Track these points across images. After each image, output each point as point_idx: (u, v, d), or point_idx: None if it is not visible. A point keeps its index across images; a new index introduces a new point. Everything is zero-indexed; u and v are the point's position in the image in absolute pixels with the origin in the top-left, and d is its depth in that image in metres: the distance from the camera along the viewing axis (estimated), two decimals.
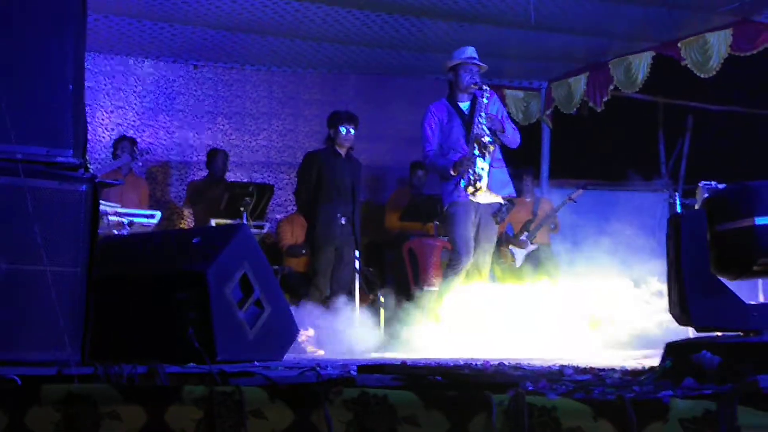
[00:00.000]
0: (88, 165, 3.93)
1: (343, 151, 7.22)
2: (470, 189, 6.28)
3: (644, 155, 10.13)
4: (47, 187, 3.61)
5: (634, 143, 10.12)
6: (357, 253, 7.43)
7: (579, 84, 9.05)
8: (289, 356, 4.45)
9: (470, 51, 6.60)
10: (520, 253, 8.83)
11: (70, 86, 3.73)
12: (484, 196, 6.36)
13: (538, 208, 9.00)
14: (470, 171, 6.28)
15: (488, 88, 6.49)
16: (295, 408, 2.63)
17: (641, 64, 8.34)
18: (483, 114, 6.38)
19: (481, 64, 6.59)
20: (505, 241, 8.82)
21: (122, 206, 7.07)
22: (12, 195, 3.52)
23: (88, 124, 8.32)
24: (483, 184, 6.30)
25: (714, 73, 7.66)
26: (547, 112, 9.54)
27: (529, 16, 6.92)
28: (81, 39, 3.77)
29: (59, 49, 3.73)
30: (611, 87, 8.67)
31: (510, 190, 6.64)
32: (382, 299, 7.90)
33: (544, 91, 9.58)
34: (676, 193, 6.78)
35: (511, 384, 2.80)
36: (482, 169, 6.30)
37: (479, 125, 6.36)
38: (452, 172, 6.33)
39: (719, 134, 9.45)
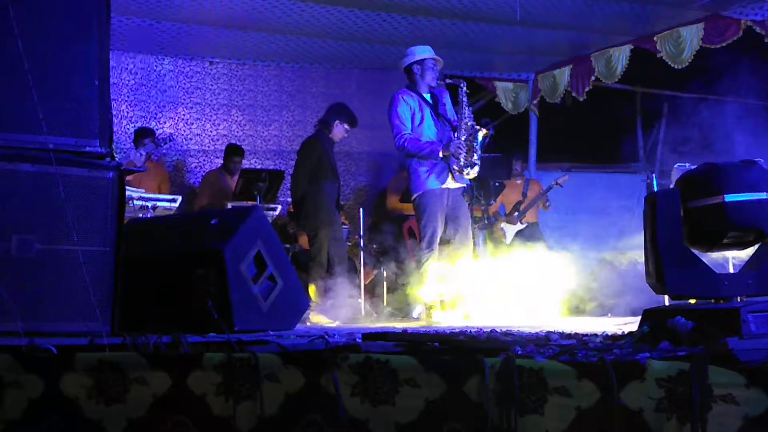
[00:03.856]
0: (114, 153, 3.93)
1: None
2: (466, 171, 6.22)
3: (624, 140, 10.13)
4: (77, 174, 3.61)
5: (614, 129, 10.12)
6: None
7: (563, 75, 9.04)
8: (300, 327, 4.47)
9: (430, 50, 6.47)
10: (510, 231, 8.85)
11: (96, 81, 3.73)
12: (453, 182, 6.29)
13: (527, 189, 9.01)
14: (463, 157, 6.20)
15: (462, 84, 6.34)
16: (306, 372, 2.65)
17: (620, 56, 8.33)
18: (465, 106, 6.29)
19: (440, 59, 6.47)
20: (497, 219, 8.83)
21: (145, 191, 7.07)
22: (45, 182, 3.52)
23: (113, 117, 8.34)
24: (476, 170, 6.25)
25: (687, 63, 7.65)
26: (534, 102, 9.53)
27: (515, 13, 6.88)
28: (105, 38, 3.76)
29: (86, 48, 3.72)
30: (593, 78, 8.66)
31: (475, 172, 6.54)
32: (384, 274, 7.92)
33: (531, 83, 9.57)
34: (653, 174, 6.78)
35: (502, 349, 2.81)
36: (476, 154, 6.24)
37: (468, 117, 6.27)
38: (442, 154, 6.19)
39: (692, 120, 9.42)
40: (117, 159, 3.91)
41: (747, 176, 2.82)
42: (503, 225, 8.85)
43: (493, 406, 2.50)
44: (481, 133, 6.19)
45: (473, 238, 7.50)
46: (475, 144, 6.20)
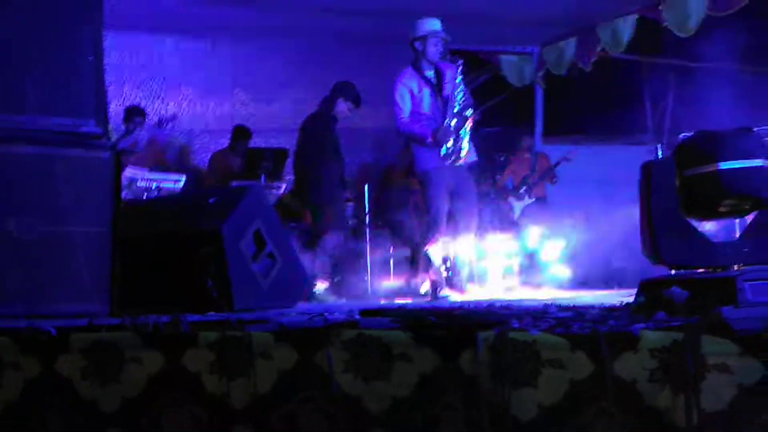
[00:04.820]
0: (111, 134, 3.93)
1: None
2: (453, 158, 6.16)
3: (631, 112, 10.04)
4: (74, 155, 3.62)
5: (621, 101, 10.03)
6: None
7: (569, 47, 8.94)
8: (303, 304, 4.48)
9: (437, 24, 6.32)
10: (518, 205, 8.82)
11: (91, 60, 3.73)
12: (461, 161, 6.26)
13: (536, 162, 8.95)
14: (451, 141, 6.12)
15: (459, 61, 6.26)
16: (300, 349, 2.66)
17: (626, 25, 8.23)
18: (461, 87, 6.19)
19: (447, 37, 6.34)
20: (504, 193, 8.81)
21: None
22: (43, 162, 3.54)
23: (118, 98, 8.31)
24: (464, 153, 6.20)
25: (693, 32, 7.55)
26: (540, 74, 9.44)
27: None
28: (99, 17, 3.75)
29: (79, 27, 3.72)
30: (599, 49, 8.56)
31: (474, 156, 6.50)
32: (390, 250, 7.91)
33: (536, 55, 9.46)
34: (659, 145, 6.72)
35: (498, 322, 2.80)
36: (463, 139, 6.15)
37: (457, 98, 6.15)
38: (430, 140, 6.13)
39: (700, 90, 9.34)
40: (122, 139, 3.91)
41: (742, 143, 2.79)
42: (511, 199, 8.81)
43: (486, 379, 2.50)
44: (469, 123, 6.14)
45: (479, 213, 7.49)
46: (462, 131, 6.14)
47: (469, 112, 6.18)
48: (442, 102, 6.24)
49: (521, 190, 8.78)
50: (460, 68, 6.25)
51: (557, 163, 8.76)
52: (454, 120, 6.14)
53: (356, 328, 2.75)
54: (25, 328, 2.86)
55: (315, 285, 7.04)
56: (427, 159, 6.24)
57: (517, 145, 9.12)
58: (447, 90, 6.27)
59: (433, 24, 6.35)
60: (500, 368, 2.49)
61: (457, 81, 6.22)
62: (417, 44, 6.34)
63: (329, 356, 2.61)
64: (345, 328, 2.74)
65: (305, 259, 7.29)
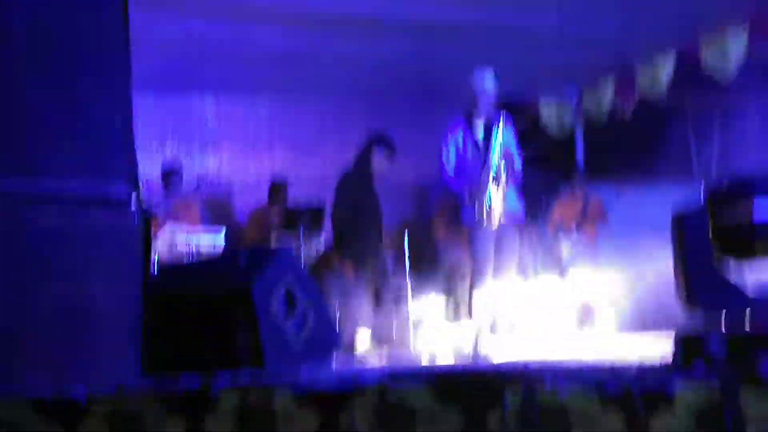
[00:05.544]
0: (142, 195, 3.94)
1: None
2: (486, 221, 6.09)
3: (675, 154, 9.89)
4: (102, 218, 3.61)
5: (664, 143, 9.89)
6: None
7: (607, 92, 8.89)
8: (341, 360, 4.41)
9: (488, 76, 6.26)
10: (566, 246, 8.68)
11: (120, 123, 3.74)
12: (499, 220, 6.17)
13: (588, 205, 8.85)
14: (483, 202, 6.07)
15: (503, 115, 6.22)
16: (323, 412, 2.60)
17: (665, 68, 8.14)
18: (498, 147, 6.13)
19: (500, 92, 6.30)
20: (554, 233, 8.72)
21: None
22: (71, 227, 3.54)
23: (156, 157, 8.41)
24: (497, 214, 6.12)
25: (732, 77, 7.44)
26: (579, 120, 9.39)
27: (553, 30, 6.76)
28: (128, 77, 3.77)
29: (110, 89, 3.74)
30: (638, 92, 8.48)
31: (520, 212, 6.39)
32: (431, 303, 7.83)
33: (575, 101, 9.43)
34: (701, 186, 6.56)
35: (528, 382, 2.70)
36: (496, 200, 6.08)
37: (494, 157, 6.10)
38: (467, 199, 6.11)
39: (746, 131, 9.18)
40: (143, 200, 3.92)
41: None
42: (561, 239, 8.69)
43: None
44: (503, 187, 6.05)
45: (524, 260, 7.40)
46: (496, 193, 6.06)
47: (502, 171, 6.08)
48: (484, 160, 6.18)
49: (571, 231, 8.66)
50: (504, 122, 6.20)
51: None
52: (491, 181, 6.07)
53: (384, 390, 2.68)
54: (51, 396, 2.84)
55: (355, 337, 7.00)
56: (470, 212, 6.19)
57: (559, 189, 9.01)
58: (492, 148, 6.20)
59: (485, 79, 6.29)
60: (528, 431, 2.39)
61: (501, 140, 6.16)
62: (470, 96, 6.32)
63: (353, 420, 2.54)
64: (372, 391, 2.67)
65: (346, 310, 7.28)
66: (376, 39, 7.44)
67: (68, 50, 3.63)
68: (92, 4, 3.64)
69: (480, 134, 6.26)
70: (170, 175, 7.85)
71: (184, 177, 7.91)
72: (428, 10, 6.89)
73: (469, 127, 6.29)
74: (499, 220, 6.10)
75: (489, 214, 6.05)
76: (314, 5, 6.67)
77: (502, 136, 6.16)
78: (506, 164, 6.11)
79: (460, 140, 6.26)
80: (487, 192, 6.07)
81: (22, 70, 3.36)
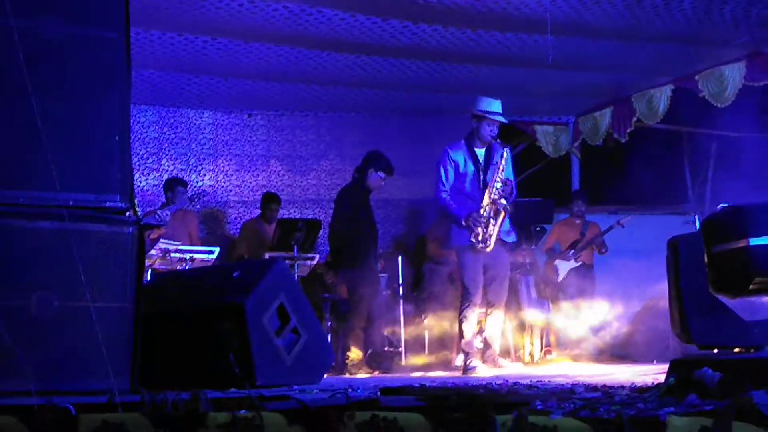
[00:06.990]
0: (136, 209, 3.92)
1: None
2: (480, 246, 6.09)
3: (671, 181, 9.91)
4: (96, 230, 3.60)
5: (660, 170, 9.90)
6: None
7: (604, 117, 8.91)
8: (331, 378, 4.37)
9: (496, 105, 6.28)
10: (563, 268, 8.66)
11: (117, 136, 3.74)
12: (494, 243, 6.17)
13: (586, 229, 8.83)
14: (480, 229, 6.08)
15: (506, 149, 6.25)
16: (313, 430, 2.56)
17: (662, 96, 8.17)
18: (499, 179, 6.15)
19: (504, 121, 6.32)
20: (551, 255, 8.70)
21: (180, 243, 7.09)
22: (64, 238, 3.52)
23: (155, 170, 8.38)
24: (491, 242, 6.12)
25: (730, 102, 7.47)
26: (576, 144, 9.41)
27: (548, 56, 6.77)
28: (126, 93, 3.77)
29: (107, 103, 3.73)
30: (634, 119, 8.50)
31: (513, 237, 6.44)
32: (425, 322, 7.81)
33: (572, 125, 9.46)
34: (695, 216, 6.58)
35: (519, 404, 2.69)
36: (493, 229, 6.10)
37: (494, 189, 6.13)
38: (463, 223, 6.12)
39: (741, 159, 9.21)
40: (139, 213, 3.90)
41: None
42: (557, 262, 8.67)
43: None
44: (501, 215, 6.08)
45: (515, 284, 7.39)
46: (493, 220, 6.07)
47: (503, 201, 6.09)
48: (483, 185, 6.18)
49: (568, 253, 8.65)
50: (508, 155, 6.21)
51: (609, 228, 8.62)
52: (487, 207, 6.08)
53: (376, 407, 2.66)
54: (39, 406, 2.81)
55: (348, 356, 6.97)
56: (462, 234, 6.18)
57: (573, 210, 8.99)
58: (490, 174, 6.21)
59: (492, 104, 6.30)
60: None
61: (501, 168, 6.17)
62: (473, 122, 6.32)
63: None
64: (365, 407, 2.65)
65: (339, 330, 7.25)
66: (371, 60, 7.45)
67: (66, 66, 3.63)
68: (92, 18, 3.64)
69: (480, 158, 6.27)
70: (174, 184, 7.82)
71: (187, 189, 7.87)
72: (426, 36, 6.89)
73: (470, 150, 6.29)
74: (494, 244, 6.11)
75: (484, 237, 6.06)
76: (312, 30, 6.67)
77: (503, 162, 6.17)
78: (503, 189, 6.12)
79: (461, 162, 6.26)
80: (483, 215, 6.07)
81: (19, 84, 3.35)
